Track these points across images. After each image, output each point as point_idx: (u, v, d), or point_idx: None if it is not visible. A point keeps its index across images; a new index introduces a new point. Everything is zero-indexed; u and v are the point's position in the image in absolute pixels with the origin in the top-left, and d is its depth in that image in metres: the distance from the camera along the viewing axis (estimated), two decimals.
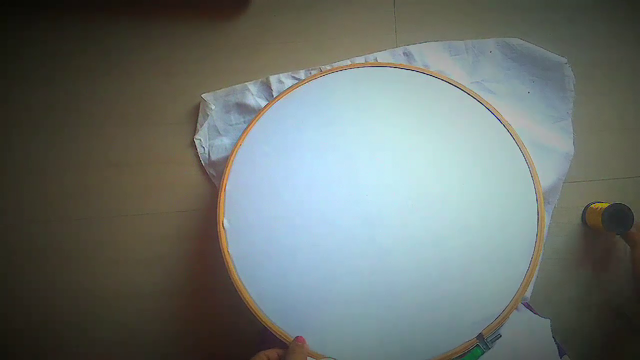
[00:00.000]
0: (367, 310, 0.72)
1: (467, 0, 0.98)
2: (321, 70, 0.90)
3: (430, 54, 0.93)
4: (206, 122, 0.95)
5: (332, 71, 0.84)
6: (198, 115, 0.97)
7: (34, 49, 1.01)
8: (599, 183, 0.92)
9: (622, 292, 0.90)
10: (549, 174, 0.87)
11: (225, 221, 0.77)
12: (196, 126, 0.97)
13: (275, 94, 0.92)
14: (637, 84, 0.95)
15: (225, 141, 0.95)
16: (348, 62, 0.95)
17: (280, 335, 0.70)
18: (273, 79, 0.94)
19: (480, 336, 0.69)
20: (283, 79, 0.94)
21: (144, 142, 0.98)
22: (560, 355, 0.72)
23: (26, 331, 0.94)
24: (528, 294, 0.79)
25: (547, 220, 0.89)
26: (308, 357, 0.68)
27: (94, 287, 0.94)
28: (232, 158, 0.81)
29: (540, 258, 0.72)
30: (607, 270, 0.91)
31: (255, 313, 0.72)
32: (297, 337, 0.69)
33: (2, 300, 0.95)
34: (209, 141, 0.96)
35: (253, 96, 0.94)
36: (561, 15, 0.97)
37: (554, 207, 0.90)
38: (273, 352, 0.66)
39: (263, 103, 0.93)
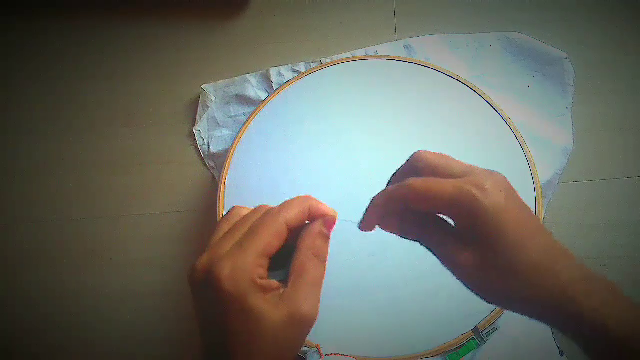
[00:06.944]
0: (363, 302, 0.71)
1: (467, 0, 0.99)
2: (322, 63, 0.91)
3: (431, 47, 0.94)
4: (206, 113, 0.96)
5: (332, 64, 0.84)
6: (198, 107, 0.97)
7: (33, 50, 1.02)
8: (599, 183, 0.92)
9: None
10: (547, 168, 0.87)
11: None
12: (196, 118, 0.97)
13: (275, 87, 0.93)
14: (637, 84, 0.94)
15: (225, 133, 0.95)
16: (349, 54, 0.95)
17: None
18: (273, 71, 0.94)
19: (476, 329, 0.68)
20: (283, 72, 0.94)
21: (144, 142, 0.98)
22: (560, 356, 0.71)
23: (26, 331, 0.93)
24: None
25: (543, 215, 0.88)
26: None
27: (94, 287, 0.93)
28: (232, 151, 0.81)
29: None
30: (605, 271, 0.90)
31: None
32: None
33: (1, 300, 0.94)
34: (209, 133, 0.96)
35: (253, 88, 0.94)
36: (560, 15, 0.97)
37: (549, 203, 0.89)
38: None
39: (263, 95, 0.93)
